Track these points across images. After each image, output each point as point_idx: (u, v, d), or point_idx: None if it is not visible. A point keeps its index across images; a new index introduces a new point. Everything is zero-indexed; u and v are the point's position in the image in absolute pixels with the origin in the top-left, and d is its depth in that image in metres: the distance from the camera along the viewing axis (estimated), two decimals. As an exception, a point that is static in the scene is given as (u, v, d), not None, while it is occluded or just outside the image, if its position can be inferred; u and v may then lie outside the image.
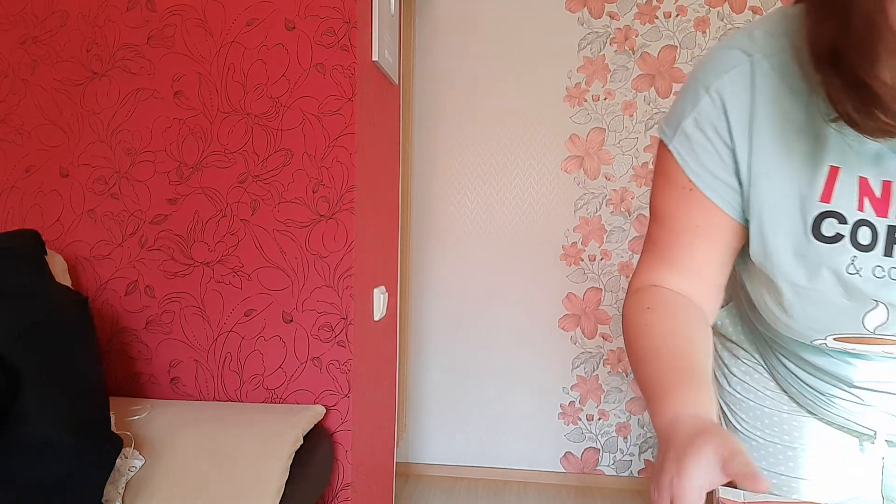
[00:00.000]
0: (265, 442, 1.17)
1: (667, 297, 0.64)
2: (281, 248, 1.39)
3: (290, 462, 1.16)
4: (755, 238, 0.58)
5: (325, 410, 1.36)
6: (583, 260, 2.43)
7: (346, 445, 1.41)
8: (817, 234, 0.53)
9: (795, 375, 0.73)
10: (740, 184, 0.57)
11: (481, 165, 2.45)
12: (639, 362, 0.59)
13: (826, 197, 0.52)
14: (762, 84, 0.53)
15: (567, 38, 2.37)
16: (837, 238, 0.52)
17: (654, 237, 0.66)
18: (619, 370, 2.46)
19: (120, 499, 1.06)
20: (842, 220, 0.52)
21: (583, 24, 2.35)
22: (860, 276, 0.52)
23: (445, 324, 2.52)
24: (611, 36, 2.35)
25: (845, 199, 0.52)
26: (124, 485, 1.08)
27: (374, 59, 1.47)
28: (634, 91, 2.35)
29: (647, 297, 0.64)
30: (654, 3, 2.32)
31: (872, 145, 0.50)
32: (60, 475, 0.95)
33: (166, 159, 1.42)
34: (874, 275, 0.52)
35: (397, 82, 1.78)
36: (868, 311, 0.55)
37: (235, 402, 1.41)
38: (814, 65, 0.47)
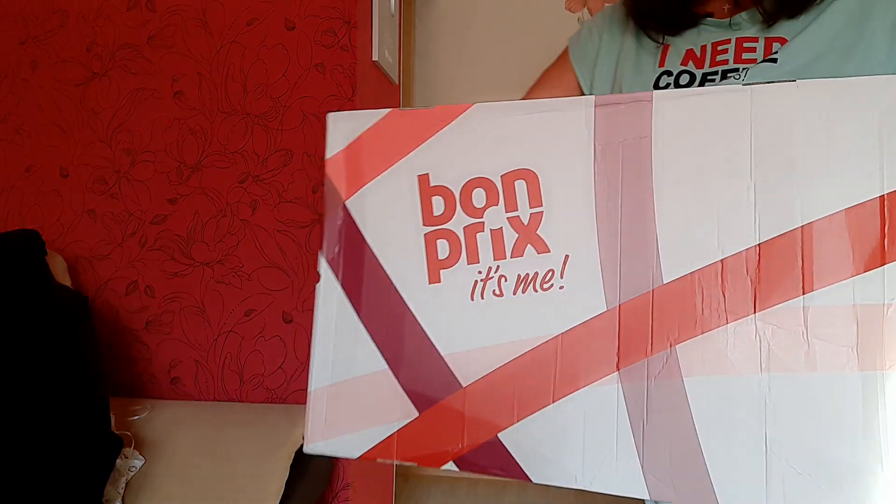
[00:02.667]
0: (265, 442, 1.17)
1: None
2: (281, 248, 1.39)
3: (290, 462, 1.16)
4: None
5: (325, 410, 1.36)
6: (583, 260, 2.43)
7: (346, 445, 1.40)
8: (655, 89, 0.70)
9: None
10: (594, 70, 0.82)
11: (481, 165, 2.45)
12: None
13: (661, 63, 0.71)
14: (620, 21, 0.82)
15: (567, 38, 2.36)
16: (667, 86, 0.69)
17: None
18: (619, 370, 2.46)
19: (120, 499, 1.06)
20: (670, 74, 0.70)
21: (583, 24, 2.35)
22: None
23: (445, 324, 2.51)
24: (611, 36, 2.35)
25: (674, 61, 0.70)
26: (124, 485, 1.08)
27: (374, 59, 1.47)
28: (634, 91, 2.35)
29: None
30: (654, 3, 2.32)
31: (692, 30, 0.70)
32: (60, 475, 0.95)
33: (166, 159, 1.42)
34: None
35: (397, 82, 1.78)
36: None
37: (235, 402, 1.41)
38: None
